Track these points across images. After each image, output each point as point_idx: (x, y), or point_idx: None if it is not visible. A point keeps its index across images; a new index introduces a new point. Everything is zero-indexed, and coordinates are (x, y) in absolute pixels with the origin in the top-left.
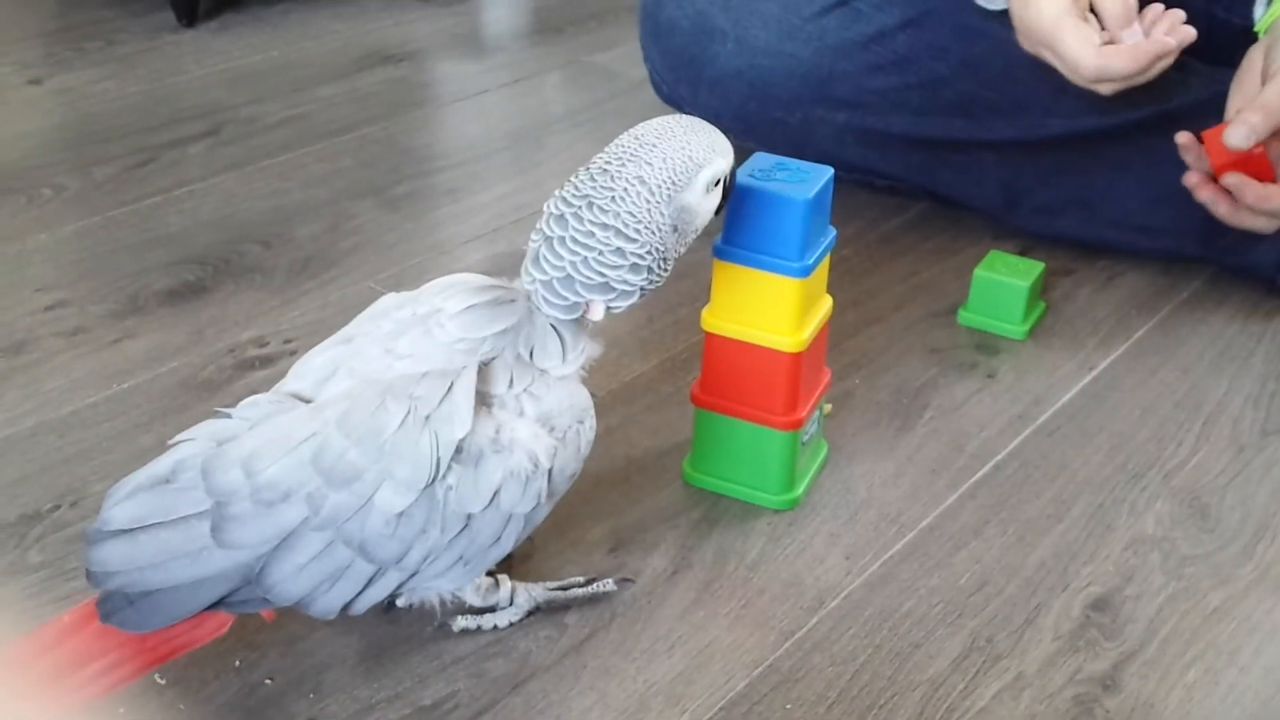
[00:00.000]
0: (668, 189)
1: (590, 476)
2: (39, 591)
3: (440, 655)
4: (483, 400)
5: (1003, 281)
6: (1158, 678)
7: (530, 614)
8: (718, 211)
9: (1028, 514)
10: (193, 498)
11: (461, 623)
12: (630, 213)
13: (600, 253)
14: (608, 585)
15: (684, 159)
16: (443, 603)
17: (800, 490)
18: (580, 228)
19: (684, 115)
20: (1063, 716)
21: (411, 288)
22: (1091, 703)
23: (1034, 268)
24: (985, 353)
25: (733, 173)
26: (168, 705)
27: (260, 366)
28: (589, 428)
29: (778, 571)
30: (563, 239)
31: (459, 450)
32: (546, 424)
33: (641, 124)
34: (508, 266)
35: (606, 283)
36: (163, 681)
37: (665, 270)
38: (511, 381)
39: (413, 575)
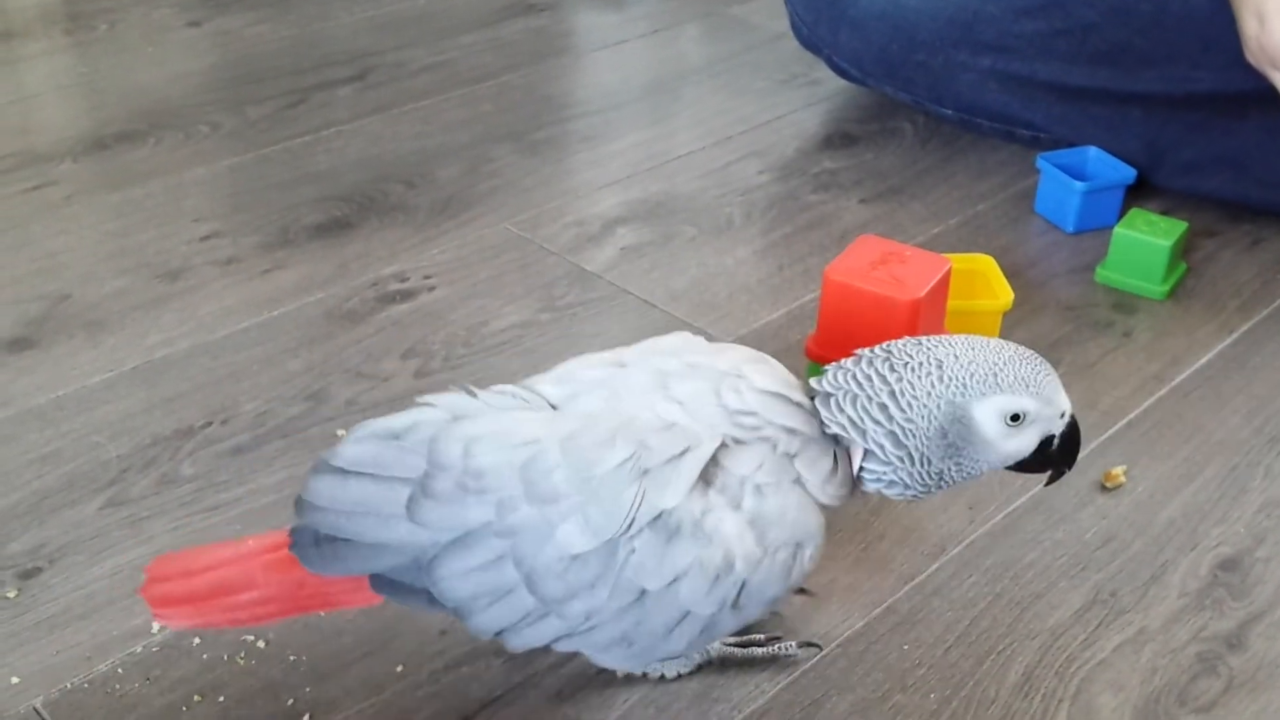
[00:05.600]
0: (956, 387)
1: None
2: (191, 501)
3: None
4: (709, 476)
5: (1144, 240)
6: None
7: (700, 668)
8: (1047, 483)
9: (1159, 473)
10: (409, 462)
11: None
12: (911, 384)
13: (870, 399)
14: (791, 648)
15: (989, 372)
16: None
17: None
18: (867, 370)
19: (1027, 349)
20: (1185, 672)
21: (548, 230)
22: (1215, 660)
23: (1176, 227)
24: (1122, 311)
25: (1067, 438)
26: None
27: (401, 300)
28: (809, 557)
29: (898, 518)
30: (852, 373)
31: (658, 517)
32: (757, 528)
33: (992, 339)
34: (641, 212)
35: (865, 432)
36: None
37: (929, 476)
38: (760, 467)
39: (571, 635)
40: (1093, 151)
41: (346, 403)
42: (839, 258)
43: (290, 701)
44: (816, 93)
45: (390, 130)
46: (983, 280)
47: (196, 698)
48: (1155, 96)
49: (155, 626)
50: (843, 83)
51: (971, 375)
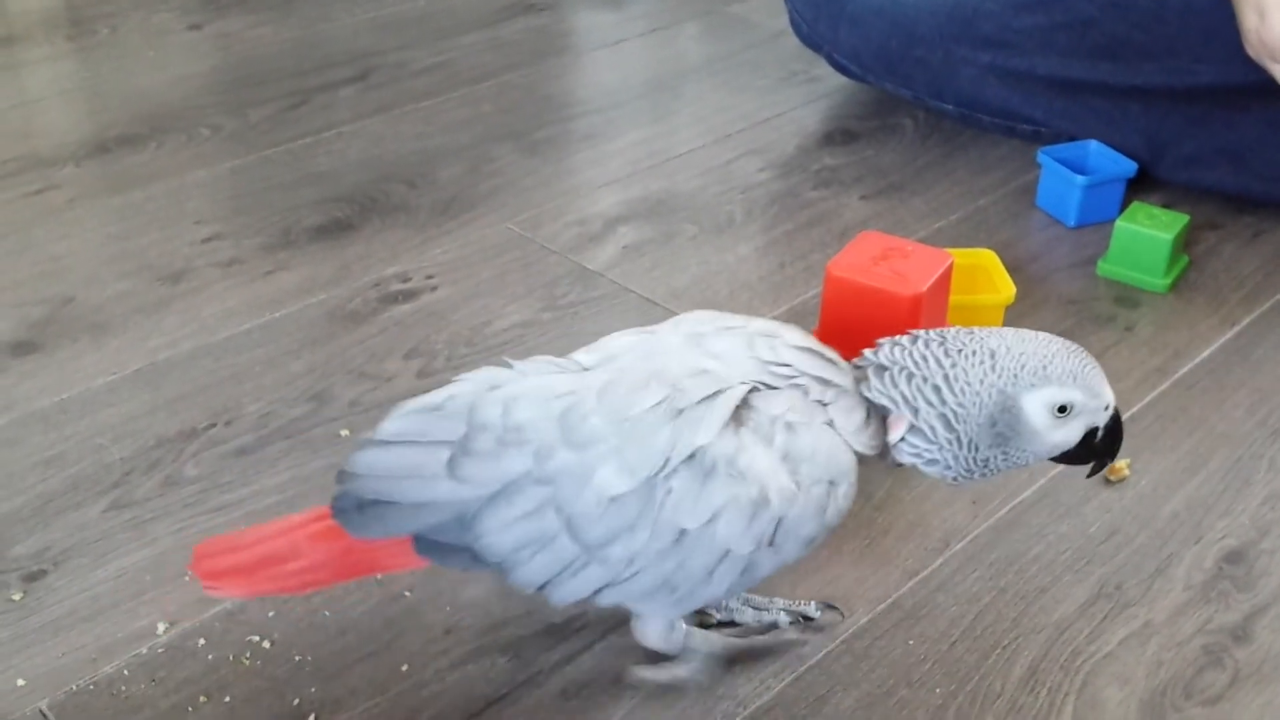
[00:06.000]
0: (1008, 377)
1: None
2: (195, 502)
3: None
4: (742, 418)
5: (1145, 233)
6: None
7: (727, 662)
8: (1090, 474)
9: (1162, 466)
10: (448, 426)
11: (640, 673)
12: (965, 370)
13: (925, 380)
14: (811, 609)
15: (1040, 364)
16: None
17: None
18: (923, 351)
19: (1073, 343)
20: (1191, 665)
21: (549, 229)
22: (1221, 652)
23: (1178, 220)
24: (1124, 305)
25: (1111, 430)
26: (313, 610)
27: (403, 300)
28: (843, 494)
29: (903, 512)
30: (908, 350)
31: (692, 456)
32: (790, 463)
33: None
34: (641, 210)
35: (917, 411)
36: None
37: (975, 463)
38: (791, 408)
39: (614, 584)
40: (1093, 145)
41: (350, 403)
42: (841, 253)
43: (295, 702)
44: (816, 90)
45: (391, 131)
46: (984, 275)
47: (202, 698)
48: (1155, 90)
49: (160, 628)
50: (843, 79)
51: (1022, 366)
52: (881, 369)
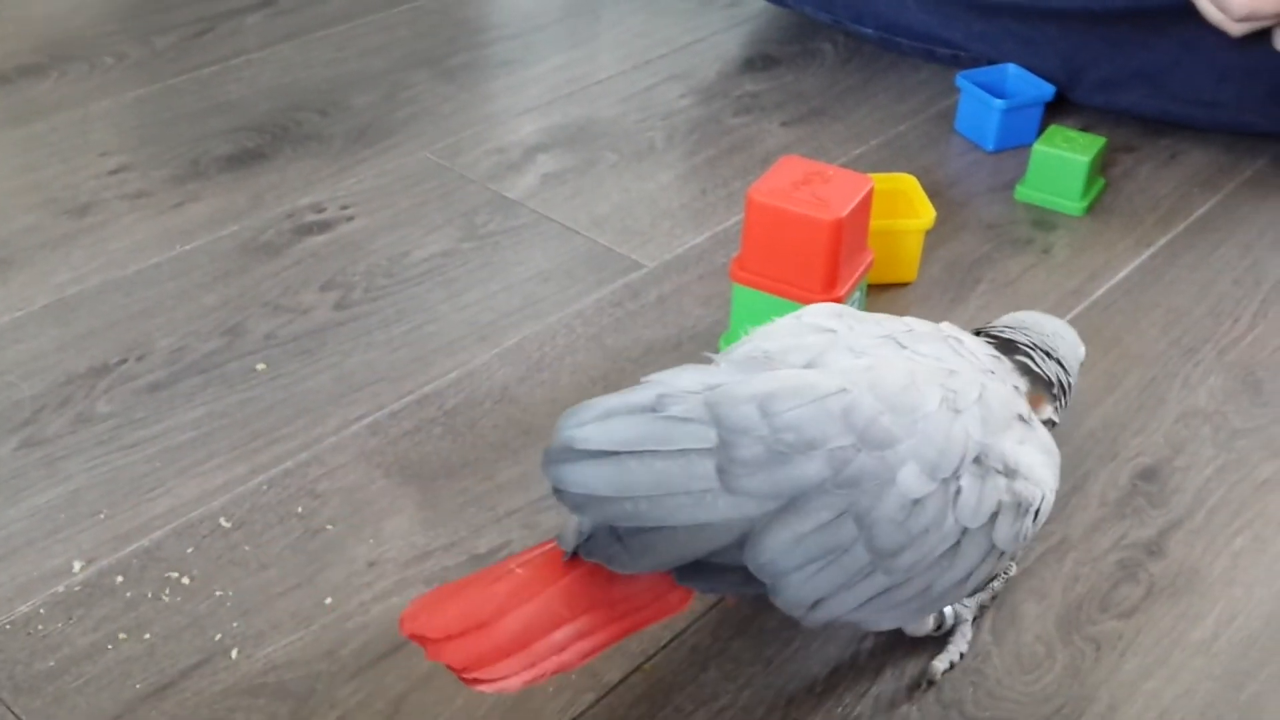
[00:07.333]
0: (1073, 348)
1: (644, 341)
2: (108, 439)
3: (494, 508)
4: (1003, 413)
5: (1062, 156)
6: (1204, 545)
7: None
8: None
9: (1079, 386)
10: (692, 431)
11: (940, 665)
12: (1063, 354)
13: (1059, 364)
14: (1011, 570)
15: (1075, 337)
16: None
17: None
18: (1040, 338)
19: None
20: (1106, 579)
21: (468, 158)
22: (1136, 567)
23: (1094, 143)
24: (1042, 228)
25: None
26: (233, 546)
27: (318, 231)
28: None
29: None
30: (1030, 335)
31: (977, 456)
32: (1045, 456)
33: (1019, 313)
34: (561, 138)
35: (1063, 388)
36: (228, 525)
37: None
38: (1026, 407)
39: (882, 594)
40: (1012, 69)
41: (265, 336)
42: (762, 179)
43: (217, 637)
44: (737, 14)
45: (302, 57)
46: (905, 200)
47: (122, 636)
48: (1072, 13)
49: (76, 566)
50: (763, 4)
51: (1072, 340)
52: (1031, 349)
